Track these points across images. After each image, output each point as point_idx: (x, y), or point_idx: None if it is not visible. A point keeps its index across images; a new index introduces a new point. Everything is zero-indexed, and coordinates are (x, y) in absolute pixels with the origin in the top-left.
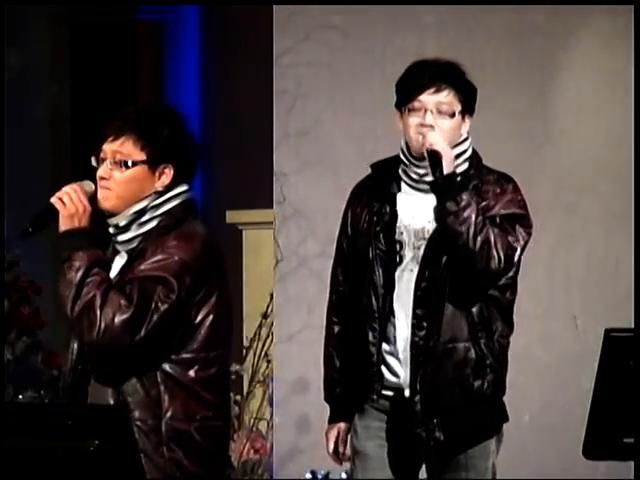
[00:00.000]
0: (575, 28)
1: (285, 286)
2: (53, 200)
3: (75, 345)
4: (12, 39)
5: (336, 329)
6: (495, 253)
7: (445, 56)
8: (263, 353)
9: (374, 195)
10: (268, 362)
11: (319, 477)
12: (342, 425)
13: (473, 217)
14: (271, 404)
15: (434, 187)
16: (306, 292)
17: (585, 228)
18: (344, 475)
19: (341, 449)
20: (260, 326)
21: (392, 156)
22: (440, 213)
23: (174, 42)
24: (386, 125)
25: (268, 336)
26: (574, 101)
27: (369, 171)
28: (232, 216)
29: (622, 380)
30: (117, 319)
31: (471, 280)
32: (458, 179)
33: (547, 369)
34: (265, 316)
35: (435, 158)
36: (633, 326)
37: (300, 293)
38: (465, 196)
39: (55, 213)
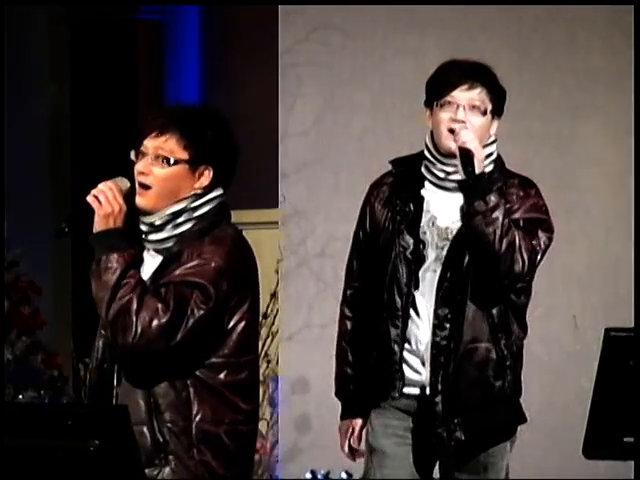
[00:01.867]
0: (575, 28)
1: (285, 286)
2: (89, 199)
3: (100, 343)
4: (12, 39)
5: (350, 324)
6: (519, 256)
7: (445, 57)
8: (263, 353)
9: (396, 193)
10: (268, 362)
11: (319, 477)
12: (357, 421)
13: (501, 218)
14: (271, 404)
15: (463, 186)
16: (306, 292)
17: (585, 228)
18: (344, 475)
19: (355, 445)
20: (260, 326)
21: (412, 154)
22: (467, 212)
23: (174, 42)
24: (386, 125)
25: (268, 336)
26: (574, 101)
27: (369, 171)
28: (233, 216)
29: (622, 380)
30: (154, 323)
31: (493, 282)
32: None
33: (547, 369)
34: (265, 316)
35: (467, 156)
36: (633, 326)
37: (300, 293)
38: (494, 197)
39: (91, 212)
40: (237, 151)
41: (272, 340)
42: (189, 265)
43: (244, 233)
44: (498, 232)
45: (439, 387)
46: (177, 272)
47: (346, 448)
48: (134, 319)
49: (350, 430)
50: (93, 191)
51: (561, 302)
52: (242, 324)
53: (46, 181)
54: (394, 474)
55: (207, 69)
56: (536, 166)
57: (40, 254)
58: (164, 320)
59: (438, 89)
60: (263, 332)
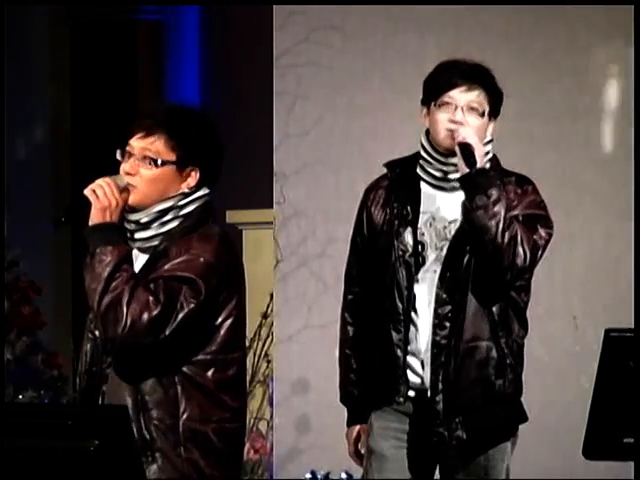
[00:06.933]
0: (575, 28)
1: (285, 286)
2: (87, 192)
3: (88, 347)
4: (12, 39)
5: (352, 330)
6: (521, 249)
7: (445, 57)
8: (263, 353)
9: (393, 195)
10: (268, 362)
11: (319, 477)
12: (363, 427)
13: (502, 212)
14: (271, 404)
15: (464, 181)
16: (306, 292)
17: (585, 228)
18: (344, 475)
19: (363, 451)
20: (260, 326)
21: (407, 156)
22: (469, 207)
23: (174, 42)
24: (386, 125)
25: (268, 336)
26: (574, 101)
27: (369, 171)
28: (232, 216)
29: (622, 380)
30: (144, 316)
31: (495, 277)
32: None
33: (547, 369)
34: (265, 316)
35: (468, 150)
36: (633, 326)
37: (300, 293)
38: (495, 191)
39: (87, 205)
40: (223, 151)
41: (272, 340)
42: (178, 260)
43: (244, 233)
44: (500, 225)
45: (440, 386)
46: (166, 267)
47: (354, 454)
48: (125, 311)
49: (358, 436)
50: (91, 185)
51: (561, 302)
52: (230, 321)
53: (46, 181)
54: (393, 477)
55: (207, 69)
56: (536, 166)
57: (40, 254)
58: (155, 313)
59: (436, 89)
60: (263, 332)
